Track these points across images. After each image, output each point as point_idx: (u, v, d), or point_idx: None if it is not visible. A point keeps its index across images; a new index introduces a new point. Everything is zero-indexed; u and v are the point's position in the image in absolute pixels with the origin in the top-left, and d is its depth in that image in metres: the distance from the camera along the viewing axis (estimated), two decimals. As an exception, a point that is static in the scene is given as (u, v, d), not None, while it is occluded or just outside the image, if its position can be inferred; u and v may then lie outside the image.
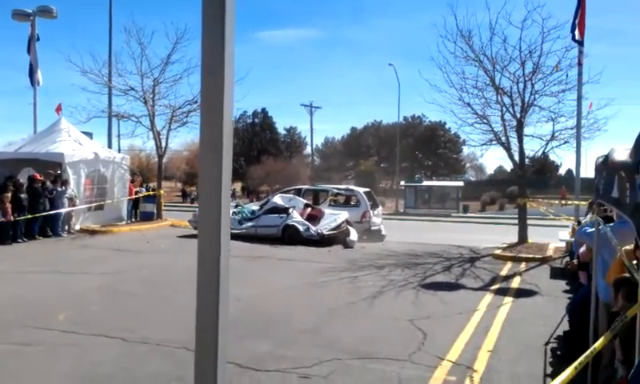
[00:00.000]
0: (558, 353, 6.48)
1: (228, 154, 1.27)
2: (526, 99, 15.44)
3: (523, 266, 13.17)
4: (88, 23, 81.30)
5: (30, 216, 16.06)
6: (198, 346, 1.28)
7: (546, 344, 6.81)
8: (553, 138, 15.92)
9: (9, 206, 15.50)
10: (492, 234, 20.79)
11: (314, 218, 17.65)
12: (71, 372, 5.65)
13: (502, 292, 10.05)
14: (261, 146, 59.02)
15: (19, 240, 15.75)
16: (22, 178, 17.14)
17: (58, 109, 21.16)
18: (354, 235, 17.01)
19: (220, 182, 1.24)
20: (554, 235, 16.40)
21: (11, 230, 15.66)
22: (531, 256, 14.00)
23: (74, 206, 18.15)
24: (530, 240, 15.83)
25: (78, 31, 71.56)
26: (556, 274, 11.99)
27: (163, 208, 23.02)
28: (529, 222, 16.30)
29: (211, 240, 1.24)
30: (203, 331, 1.26)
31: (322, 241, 16.38)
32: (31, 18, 23.83)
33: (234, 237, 16.57)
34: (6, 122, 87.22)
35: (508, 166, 52.85)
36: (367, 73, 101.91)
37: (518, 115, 15.59)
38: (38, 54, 24.05)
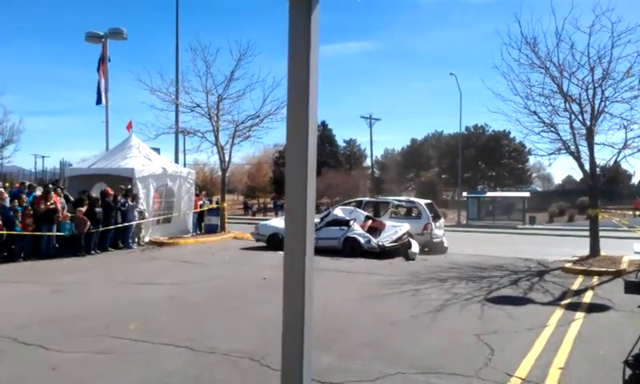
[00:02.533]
0: (637, 371, 6.15)
1: (312, 167, 1.30)
2: (596, 106, 14.83)
3: (595, 279, 12.58)
4: (156, 44, 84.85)
5: (102, 229, 16.84)
6: (284, 361, 1.31)
7: (625, 362, 6.46)
8: (625, 146, 15.16)
9: (82, 219, 16.30)
10: (561, 246, 20.06)
11: (375, 230, 17.57)
12: (142, 380, 5.84)
13: (574, 307, 9.64)
14: (321, 159, 59.23)
15: (92, 252, 16.52)
16: (95, 193, 17.99)
17: (129, 126, 22.11)
18: (415, 247, 16.81)
19: (305, 193, 1.28)
20: (627, 247, 15.61)
21: (83, 243, 16.45)
22: (604, 269, 13.35)
23: (143, 219, 18.88)
24: (602, 253, 15.13)
25: (147, 51, 74.87)
26: (631, 288, 11.26)
27: (227, 221, 23.54)
28: (601, 233, 15.58)
29: (297, 246, 1.27)
30: (289, 339, 1.29)
31: (383, 253, 16.28)
32: (103, 39, 25.10)
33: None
34: (80, 139, 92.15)
35: (577, 176, 50.86)
36: (427, 83, 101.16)
37: (588, 123, 14.99)
38: (109, 74, 25.32)
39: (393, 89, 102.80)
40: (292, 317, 1.30)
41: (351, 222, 17.36)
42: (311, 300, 1.33)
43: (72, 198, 17.25)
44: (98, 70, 25.30)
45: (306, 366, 1.29)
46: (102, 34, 25.06)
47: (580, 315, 8.99)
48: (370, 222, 18.23)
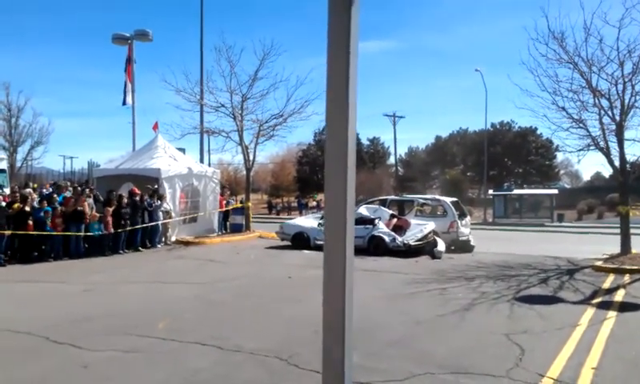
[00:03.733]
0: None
1: (352, 169, 1.28)
2: (626, 101, 14.53)
3: (627, 278, 12.31)
4: (181, 45, 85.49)
5: (129, 228, 17.06)
6: (325, 364, 1.29)
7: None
8: (657, 141, 14.87)
9: (110, 219, 16.56)
10: (591, 244, 19.66)
11: (400, 229, 17.47)
12: (169, 378, 5.89)
13: (605, 306, 9.44)
14: (344, 157, 58.89)
15: (120, 251, 16.74)
16: (123, 193, 18.22)
17: (155, 126, 22.34)
18: (441, 246, 16.65)
19: (345, 193, 1.25)
20: (661, 245, 15.28)
21: (111, 242, 16.69)
22: (635, 268, 13.06)
23: (170, 218, 19.07)
24: (633, 250, 14.79)
25: (172, 52, 75.48)
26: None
27: (251, 220, 23.64)
28: (632, 231, 15.24)
29: (337, 245, 1.25)
30: (329, 340, 1.27)
31: (409, 252, 16.16)
32: (129, 41, 25.44)
33: (321, 248, 16.69)
34: (107, 139, 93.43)
35: (606, 172, 49.76)
36: (452, 80, 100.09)
37: (618, 118, 14.69)
38: (135, 76, 25.67)
39: (416, 87, 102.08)
40: (332, 317, 1.28)
41: (376, 221, 17.28)
42: (351, 300, 1.30)
43: (101, 198, 17.51)
44: (125, 71, 25.69)
45: (347, 367, 1.27)
46: (128, 35, 25.39)
47: (612, 314, 8.79)
48: (394, 220, 18.12)
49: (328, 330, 1.29)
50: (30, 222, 14.85)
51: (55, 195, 16.62)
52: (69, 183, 21.14)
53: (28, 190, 16.71)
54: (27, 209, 14.96)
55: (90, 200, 16.95)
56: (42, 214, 15.18)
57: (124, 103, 25.74)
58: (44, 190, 19.09)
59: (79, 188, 18.67)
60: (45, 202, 15.74)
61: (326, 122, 1.29)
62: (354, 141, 1.29)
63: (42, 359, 6.52)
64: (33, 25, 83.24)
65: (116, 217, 16.74)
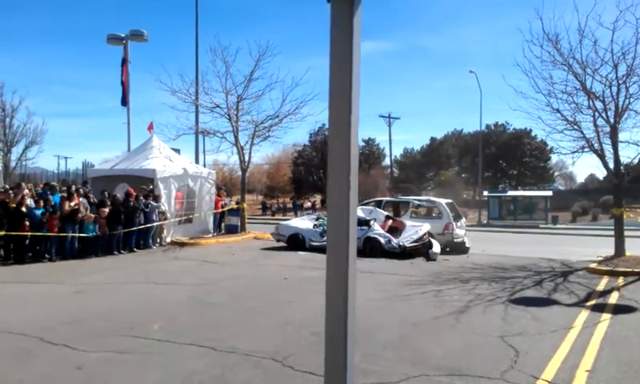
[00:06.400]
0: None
1: (354, 172, 1.28)
2: (620, 103, 14.61)
3: (621, 280, 12.37)
4: (176, 45, 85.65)
5: (125, 230, 17.00)
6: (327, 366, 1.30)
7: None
8: (651, 143, 14.97)
9: (104, 219, 16.51)
10: (585, 246, 19.75)
11: (395, 230, 17.49)
12: (164, 380, 5.87)
13: (600, 308, 9.48)
14: (340, 159, 58.81)
15: (115, 253, 16.68)
16: (119, 194, 18.17)
17: (150, 127, 22.31)
18: (436, 247, 16.68)
19: (348, 196, 1.26)
20: (654, 247, 15.35)
21: (106, 243, 16.62)
22: (630, 270, 13.12)
23: (165, 219, 19.02)
24: (627, 253, 14.86)
25: (168, 53, 75.61)
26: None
27: (247, 221, 23.62)
28: (626, 233, 15.31)
29: (340, 249, 1.26)
30: (332, 337, 1.27)
31: (404, 253, 16.18)
32: (124, 41, 25.37)
33: (316, 249, 16.72)
34: (102, 140, 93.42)
35: (601, 174, 50.06)
36: (446, 82, 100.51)
37: (612, 120, 14.77)
38: (130, 76, 25.63)
39: (411, 88, 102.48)
40: (335, 320, 1.29)
41: (371, 222, 17.29)
42: (354, 304, 1.32)
43: (94, 200, 17.44)
44: (122, 71, 25.65)
45: (349, 371, 1.27)
46: (123, 35, 25.33)
47: (606, 317, 8.83)
48: (390, 221, 18.14)
49: (330, 333, 1.29)
50: (27, 223, 14.78)
51: (50, 196, 16.54)
52: (52, 184, 20.98)
53: (25, 190, 16.58)
54: (24, 210, 14.89)
55: (84, 200, 16.89)
56: (38, 214, 15.12)
57: (123, 103, 25.70)
58: (39, 189, 18.98)
59: (72, 186, 18.59)
60: (41, 201, 15.65)
61: (329, 125, 1.30)
62: (357, 146, 1.30)
63: (36, 360, 6.49)
64: (27, 26, 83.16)
65: (111, 217, 16.68)
